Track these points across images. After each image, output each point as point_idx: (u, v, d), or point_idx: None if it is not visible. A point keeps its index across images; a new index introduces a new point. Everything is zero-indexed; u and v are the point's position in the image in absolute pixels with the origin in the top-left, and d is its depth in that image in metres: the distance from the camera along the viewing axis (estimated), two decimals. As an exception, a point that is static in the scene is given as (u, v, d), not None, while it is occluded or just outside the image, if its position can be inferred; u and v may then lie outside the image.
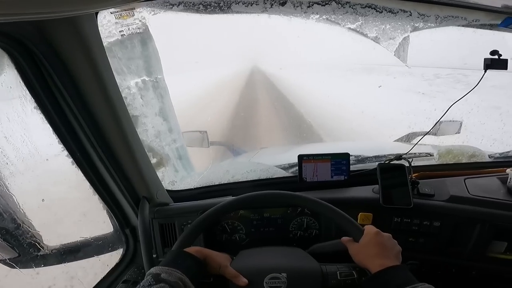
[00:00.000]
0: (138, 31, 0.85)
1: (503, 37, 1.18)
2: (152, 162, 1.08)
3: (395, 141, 1.90)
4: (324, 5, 0.91)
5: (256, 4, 0.86)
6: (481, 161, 1.36)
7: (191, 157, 1.45)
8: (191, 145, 1.57)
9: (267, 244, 0.93)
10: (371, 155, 1.36)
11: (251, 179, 1.30)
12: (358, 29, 1.01)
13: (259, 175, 1.32)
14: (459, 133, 1.61)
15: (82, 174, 0.92)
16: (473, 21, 1.03)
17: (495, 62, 1.03)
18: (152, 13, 0.80)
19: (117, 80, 0.83)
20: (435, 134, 1.56)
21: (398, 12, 0.97)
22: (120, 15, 0.76)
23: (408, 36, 1.06)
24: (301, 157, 1.20)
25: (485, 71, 1.04)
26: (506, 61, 1.03)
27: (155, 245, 1.08)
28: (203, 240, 1.09)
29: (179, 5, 0.78)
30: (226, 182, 1.29)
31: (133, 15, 0.78)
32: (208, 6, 0.82)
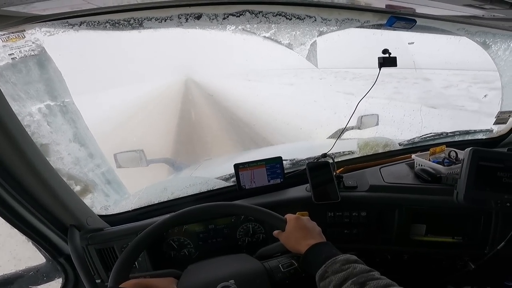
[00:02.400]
0: (32, 53, 0.76)
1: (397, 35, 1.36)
2: (75, 189, 1.04)
3: (327, 138, 2.04)
4: (239, 16, 0.95)
5: (170, 20, 0.85)
6: (393, 149, 1.54)
7: (129, 177, 1.39)
8: (127, 166, 1.51)
9: (218, 254, 0.94)
10: (304, 156, 1.44)
11: (192, 193, 1.28)
12: (272, 37, 1.07)
13: (199, 188, 1.31)
14: (377, 124, 1.81)
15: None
16: (364, 22, 1.16)
17: (386, 60, 1.18)
18: (48, 34, 0.73)
19: (15, 108, 0.74)
20: (358, 128, 1.74)
21: (305, 18, 1.07)
22: (8, 37, 0.67)
23: (316, 40, 1.15)
24: (237, 166, 1.22)
25: (379, 69, 1.18)
26: (395, 58, 1.18)
27: (97, 270, 1.05)
28: (149, 260, 1.05)
29: (80, 24, 0.72)
30: (166, 200, 1.26)
31: (24, 37, 0.70)
32: (117, 24, 0.78)
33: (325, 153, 1.27)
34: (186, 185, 1.32)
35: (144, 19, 0.80)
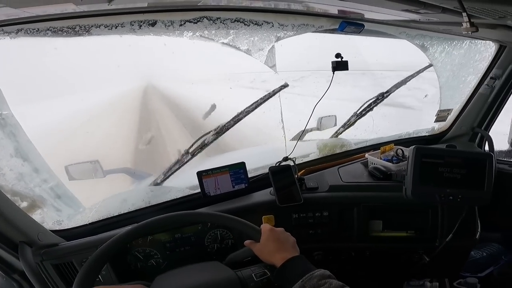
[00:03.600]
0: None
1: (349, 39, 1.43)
2: (21, 206, 1.00)
3: (290, 140, 2.09)
4: (196, 22, 0.94)
5: (122, 26, 0.81)
6: (350, 149, 1.63)
7: (85, 190, 1.34)
8: (81, 178, 1.41)
9: (187, 263, 0.92)
10: (267, 159, 1.46)
11: (155, 203, 1.25)
12: (231, 43, 1.08)
13: (162, 198, 1.27)
14: (335, 125, 1.90)
15: None
16: (319, 27, 1.22)
17: (339, 64, 1.25)
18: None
19: None
20: (319, 129, 1.81)
21: (262, 24, 1.09)
22: None
23: (274, 45, 1.18)
24: (200, 174, 1.21)
25: (333, 73, 1.25)
26: (346, 62, 1.25)
27: (56, 285, 1.01)
28: (113, 273, 1.01)
29: (17, 32, 0.66)
30: (126, 211, 1.21)
31: None
32: (60, 31, 0.72)
33: (287, 156, 1.31)
34: (148, 195, 1.27)
35: (92, 26, 0.75)
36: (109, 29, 0.78)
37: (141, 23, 0.83)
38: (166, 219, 0.87)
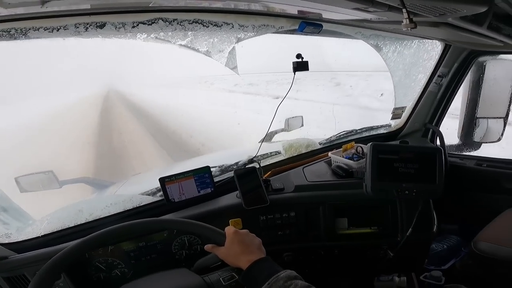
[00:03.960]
0: None
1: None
2: None
3: (259, 142, 2.09)
4: (151, 24, 0.90)
5: (65, 29, 0.75)
6: (314, 149, 1.66)
7: (38, 202, 1.30)
8: (34, 190, 1.33)
9: (154, 271, 0.89)
10: (233, 163, 1.45)
11: (114, 212, 1.19)
12: (189, 45, 1.05)
13: (123, 206, 1.21)
14: (302, 126, 1.94)
15: None
16: (279, 28, 1.22)
17: (299, 65, 1.27)
18: None
19: None
20: (286, 130, 1.83)
21: (222, 25, 1.07)
22: None
23: (234, 47, 1.17)
24: (162, 180, 1.17)
25: (294, 74, 1.27)
26: (306, 63, 1.28)
27: None
28: (72, 283, 0.96)
29: None
30: (83, 222, 1.15)
31: None
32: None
33: (252, 158, 1.31)
34: (106, 205, 1.21)
35: (30, 29, 0.69)
36: (49, 31, 0.71)
37: (87, 25, 0.77)
38: (123, 228, 0.84)
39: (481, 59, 1.77)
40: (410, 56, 1.78)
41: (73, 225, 1.13)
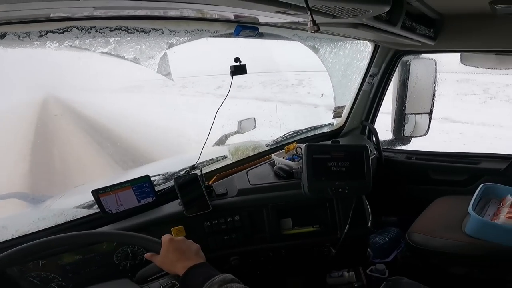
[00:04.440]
0: None
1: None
2: None
3: (212, 146, 2.06)
4: (63, 33, 0.83)
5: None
6: (261, 151, 1.68)
7: None
8: None
9: (95, 282, 0.88)
10: (177, 170, 1.42)
11: (44, 227, 1.11)
12: (112, 52, 0.99)
13: (55, 221, 1.14)
14: (255, 127, 1.95)
15: None
16: (214, 32, 1.21)
17: (237, 69, 1.28)
18: None
19: None
20: (240, 133, 1.83)
21: (150, 31, 1.03)
22: None
23: (166, 53, 1.13)
24: (96, 192, 1.11)
25: (232, 77, 1.27)
26: (244, 66, 1.28)
27: None
28: None
29: None
30: (9, 238, 1.05)
31: None
32: None
33: (194, 165, 1.29)
34: (34, 220, 1.12)
35: None
36: None
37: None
38: (45, 242, 0.81)
39: (405, 58, 1.93)
40: (345, 57, 1.87)
41: None
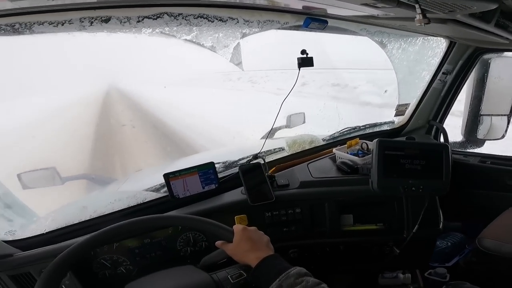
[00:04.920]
0: None
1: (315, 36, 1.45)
2: None
3: (261, 138, 2.08)
4: (156, 19, 0.89)
5: (70, 23, 0.74)
6: (318, 145, 1.65)
7: (41, 198, 1.29)
8: (36, 186, 1.32)
9: (159, 268, 0.89)
10: (237, 159, 1.45)
11: (118, 209, 1.18)
12: (194, 40, 1.04)
13: (127, 203, 1.21)
14: (304, 122, 1.93)
15: None
16: (284, 23, 1.21)
17: (304, 61, 1.26)
18: None
19: None
20: (288, 127, 1.83)
21: (227, 20, 1.06)
22: None
23: (239, 42, 1.16)
24: (167, 176, 1.16)
25: (299, 70, 1.26)
26: (311, 58, 1.27)
27: None
28: (78, 283, 0.95)
29: None
30: (87, 218, 1.14)
31: None
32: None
33: (256, 154, 1.30)
34: (110, 201, 1.20)
35: (34, 23, 0.68)
36: (54, 26, 0.70)
37: (93, 20, 0.76)
38: (129, 224, 0.83)
39: (486, 56, 1.75)
40: (415, 53, 1.77)
41: (77, 221, 1.12)
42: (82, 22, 0.74)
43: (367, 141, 1.39)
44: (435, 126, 1.91)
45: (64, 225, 1.11)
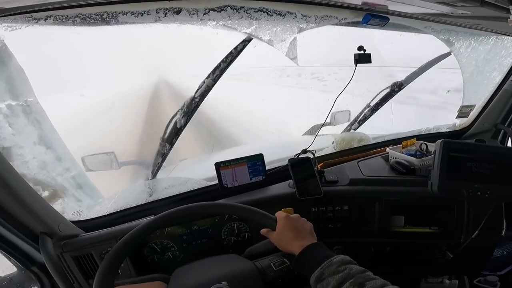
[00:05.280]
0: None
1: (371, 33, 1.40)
2: (43, 195, 0.99)
3: (303, 135, 2.06)
4: (220, 11, 0.92)
5: (148, 14, 0.80)
6: (368, 143, 1.60)
7: (99, 182, 1.32)
8: (97, 169, 1.42)
9: (203, 256, 0.91)
10: (283, 153, 1.45)
11: (171, 194, 1.25)
12: (253, 33, 1.06)
13: (179, 189, 1.28)
14: (349, 120, 1.87)
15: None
16: (342, 19, 1.18)
17: (362, 57, 1.22)
18: (10, 29, 0.66)
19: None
20: (331, 124, 1.79)
21: (285, 14, 1.06)
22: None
23: (296, 37, 1.15)
24: (218, 165, 1.20)
25: (355, 66, 1.22)
26: (369, 55, 1.22)
27: (76, 279, 1.00)
28: (131, 265, 1.02)
29: (46, 19, 0.65)
30: (144, 202, 1.21)
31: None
32: (88, 19, 0.71)
33: (305, 149, 1.29)
34: (164, 186, 1.28)
35: (119, 13, 0.74)
36: (135, 16, 0.77)
37: (167, 11, 0.82)
38: (187, 209, 0.86)
39: None
40: (486, 53, 1.62)
41: (134, 205, 1.19)
42: (158, 13, 0.79)
43: (427, 142, 1.31)
44: (502, 130, 1.72)
45: (122, 208, 1.18)
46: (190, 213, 0.87)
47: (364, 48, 1.23)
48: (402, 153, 1.31)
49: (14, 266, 0.99)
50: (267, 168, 1.26)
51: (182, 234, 1.11)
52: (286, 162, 1.25)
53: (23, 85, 0.85)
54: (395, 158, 1.29)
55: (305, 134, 2.02)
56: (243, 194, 1.20)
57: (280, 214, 0.86)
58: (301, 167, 1.21)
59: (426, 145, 1.29)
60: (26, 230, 0.91)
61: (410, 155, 1.26)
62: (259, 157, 1.24)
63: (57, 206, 1.05)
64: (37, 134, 0.95)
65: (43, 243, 0.93)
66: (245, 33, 1.03)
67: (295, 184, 1.17)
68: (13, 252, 0.93)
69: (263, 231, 0.88)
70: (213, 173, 1.24)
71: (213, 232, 1.13)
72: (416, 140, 1.37)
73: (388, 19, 1.19)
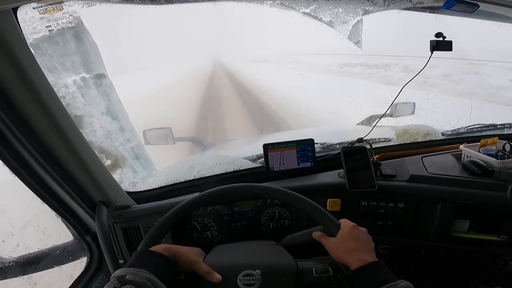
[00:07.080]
0: (69, 26, 0.74)
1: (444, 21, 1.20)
2: (105, 164, 1.02)
3: (357, 124, 1.93)
4: (278, -12, 0.87)
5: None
6: (435, 139, 1.42)
7: (155, 155, 1.38)
8: (155, 143, 1.53)
9: (240, 238, 0.91)
10: (335, 141, 1.36)
11: (218, 173, 1.26)
12: (312, 14, 0.97)
13: (225, 168, 1.28)
14: (413, 113, 1.68)
15: (25, 185, 0.81)
16: (417, 3, 1.03)
17: (440, 44, 1.06)
18: (86, 5, 0.70)
19: (50, 79, 0.73)
20: (392, 116, 1.63)
21: (350, -6, 0.95)
22: (46, 9, 0.65)
23: (361, 19, 1.04)
24: (266, 147, 1.17)
25: (431, 53, 1.07)
26: (450, 42, 1.06)
27: (121, 250, 1.04)
28: (172, 241, 1.05)
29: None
30: (191, 178, 1.24)
31: (62, 9, 0.68)
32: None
33: (361, 138, 1.19)
34: (212, 164, 1.29)
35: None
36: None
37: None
38: (235, 189, 0.82)
39: None
40: None
41: (183, 180, 1.22)
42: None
43: (511, 143, 1.10)
44: None
45: (172, 182, 1.21)
46: (243, 193, 0.83)
47: (444, 35, 1.07)
48: (480, 152, 1.13)
49: (71, 235, 1.02)
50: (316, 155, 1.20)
51: (224, 214, 1.11)
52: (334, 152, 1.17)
53: (96, 60, 0.92)
54: (470, 157, 1.12)
55: (359, 123, 1.88)
56: (289, 179, 1.17)
57: (346, 222, 0.79)
58: (355, 156, 1.13)
59: (510, 145, 1.09)
60: (86, 198, 0.93)
61: (489, 155, 1.08)
62: (309, 142, 1.19)
63: (116, 175, 1.09)
64: (105, 105, 1.03)
65: (99, 212, 0.95)
66: (304, 12, 0.95)
67: (346, 174, 1.09)
68: (72, 220, 0.95)
69: (316, 235, 0.81)
70: (257, 153, 1.22)
71: (253, 216, 1.12)
72: (498, 139, 1.17)
73: (478, 6, 0.99)
